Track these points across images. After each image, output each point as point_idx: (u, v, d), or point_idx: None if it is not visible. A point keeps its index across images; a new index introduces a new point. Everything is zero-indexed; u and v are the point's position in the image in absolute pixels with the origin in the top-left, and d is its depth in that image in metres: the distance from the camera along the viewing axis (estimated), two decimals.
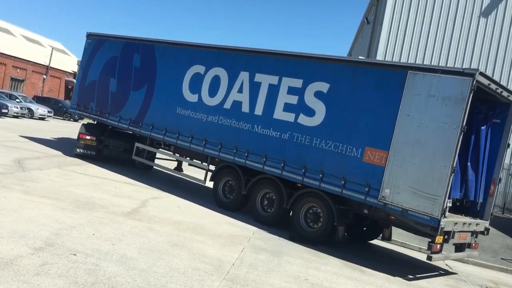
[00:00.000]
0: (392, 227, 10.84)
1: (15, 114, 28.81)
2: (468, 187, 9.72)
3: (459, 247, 9.98)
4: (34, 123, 28.18)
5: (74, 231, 7.15)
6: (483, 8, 16.11)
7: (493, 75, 15.11)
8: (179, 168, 14.51)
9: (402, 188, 8.65)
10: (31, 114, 31.19)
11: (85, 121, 19.78)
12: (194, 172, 13.77)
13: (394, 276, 8.79)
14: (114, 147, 15.12)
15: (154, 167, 15.18)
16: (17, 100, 31.52)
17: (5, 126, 21.68)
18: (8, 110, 27.91)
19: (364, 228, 11.50)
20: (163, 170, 14.89)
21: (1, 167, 11.04)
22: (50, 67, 50.92)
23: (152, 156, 14.94)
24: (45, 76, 50.59)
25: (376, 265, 9.22)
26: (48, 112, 33.12)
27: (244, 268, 7.16)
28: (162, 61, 13.73)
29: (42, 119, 32.21)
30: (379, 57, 16.48)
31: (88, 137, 14.87)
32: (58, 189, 9.99)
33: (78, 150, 14.85)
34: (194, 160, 13.28)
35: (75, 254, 6.09)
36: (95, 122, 16.43)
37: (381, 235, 11.53)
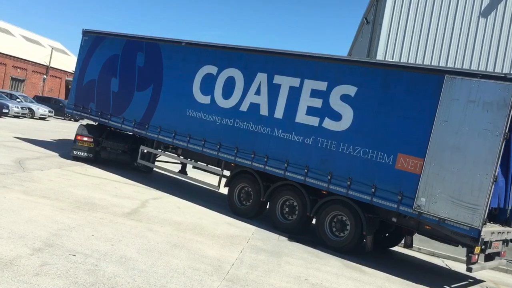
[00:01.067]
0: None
1: (16, 114, 28.84)
2: (499, 194, 9.32)
3: (490, 256, 9.62)
4: (35, 123, 28.20)
5: (74, 231, 7.16)
6: (482, 8, 16.09)
7: None
8: (183, 171, 14.01)
9: (439, 197, 8.33)
10: (31, 114, 31.23)
11: (85, 121, 19.67)
12: (199, 174, 13.33)
13: (395, 276, 8.79)
14: (112, 149, 14.55)
15: (158, 169, 14.43)
16: (18, 100, 31.55)
17: (6, 126, 21.69)
18: (9, 110, 27.94)
19: (385, 235, 11.21)
20: (167, 173, 14.21)
21: (1, 167, 11.05)
22: (50, 67, 50.98)
23: (154, 159, 14.29)
24: (45, 76, 50.64)
25: (376, 265, 9.22)
26: (49, 112, 33.15)
27: (244, 268, 7.16)
28: (169, 60, 13.14)
29: (43, 119, 32.23)
30: (379, 57, 16.45)
31: (85, 139, 14.33)
32: (58, 189, 10.00)
33: (75, 152, 14.32)
34: (207, 164, 12.63)
35: (75, 255, 6.10)
36: (96, 123, 15.77)
37: (403, 242, 11.09)
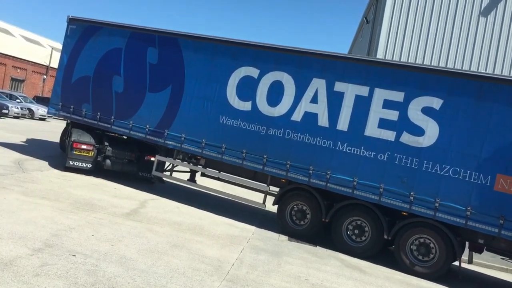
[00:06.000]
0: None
1: (16, 115, 28.76)
2: None
3: None
4: (34, 123, 28.18)
5: (74, 232, 7.15)
6: (482, 8, 16.09)
7: None
8: (192, 179, 12.60)
9: None
10: (31, 115, 31.16)
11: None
12: (208, 183, 12.32)
13: (395, 275, 8.78)
14: (117, 158, 12.87)
15: (165, 178, 13.03)
16: (18, 100, 31.50)
17: (5, 127, 21.66)
18: (9, 111, 27.85)
19: None
20: (177, 182, 12.91)
21: (0, 168, 11.03)
22: (50, 67, 50.96)
23: (172, 170, 12.74)
24: (45, 76, 50.64)
25: (376, 265, 9.21)
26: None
27: (244, 268, 7.16)
28: (192, 59, 11.56)
29: (43, 119, 32.18)
30: (379, 56, 16.44)
31: (84, 147, 12.45)
32: (57, 190, 10.00)
33: (71, 163, 12.39)
34: (244, 178, 11.43)
35: (75, 255, 6.09)
36: (68, 121, 13.99)
37: (466, 258, 10.43)
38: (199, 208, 11.25)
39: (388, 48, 16.58)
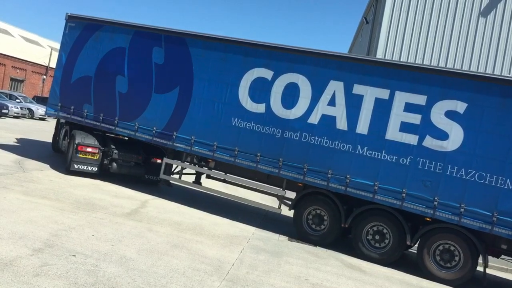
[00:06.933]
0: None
1: (16, 115, 28.79)
2: None
3: None
4: (34, 123, 28.21)
5: (74, 232, 7.15)
6: (482, 8, 16.10)
7: None
8: (197, 182, 12.38)
9: None
10: (31, 115, 31.20)
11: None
12: (213, 185, 12.11)
13: (395, 275, 8.78)
14: (124, 161, 12.44)
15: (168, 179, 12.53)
16: (17, 100, 31.52)
17: (5, 127, 21.67)
18: (9, 111, 27.88)
19: None
20: (183, 185, 12.74)
21: (1, 168, 11.04)
22: (50, 67, 50.98)
23: (181, 173, 12.36)
24: (44, 77, 50.64)
25: (376, 265, 9.21)
26: None
27: (244, 268, 7.16)
28: (201, 59, 11.23)
29: (43, 119, 32.19)
30: (379, 56, 16.44)
31: (89, 150, 12.08)
32: (57, 190, 10.00)
33: (75, 166, 12.02)
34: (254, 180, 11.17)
35: (75, 255, 6.09)
36: (62, 121, 13.78)
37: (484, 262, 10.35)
38: (199, 209, 11.25)
39: (388, 48, 16.59)
